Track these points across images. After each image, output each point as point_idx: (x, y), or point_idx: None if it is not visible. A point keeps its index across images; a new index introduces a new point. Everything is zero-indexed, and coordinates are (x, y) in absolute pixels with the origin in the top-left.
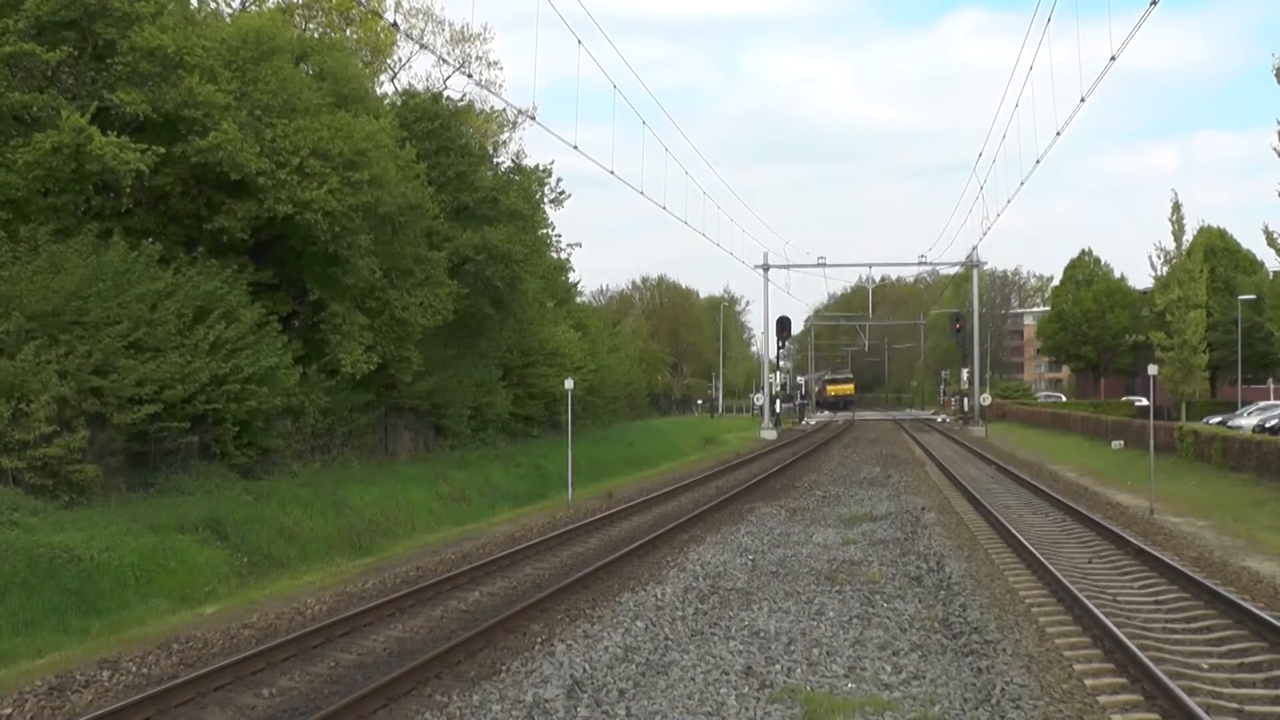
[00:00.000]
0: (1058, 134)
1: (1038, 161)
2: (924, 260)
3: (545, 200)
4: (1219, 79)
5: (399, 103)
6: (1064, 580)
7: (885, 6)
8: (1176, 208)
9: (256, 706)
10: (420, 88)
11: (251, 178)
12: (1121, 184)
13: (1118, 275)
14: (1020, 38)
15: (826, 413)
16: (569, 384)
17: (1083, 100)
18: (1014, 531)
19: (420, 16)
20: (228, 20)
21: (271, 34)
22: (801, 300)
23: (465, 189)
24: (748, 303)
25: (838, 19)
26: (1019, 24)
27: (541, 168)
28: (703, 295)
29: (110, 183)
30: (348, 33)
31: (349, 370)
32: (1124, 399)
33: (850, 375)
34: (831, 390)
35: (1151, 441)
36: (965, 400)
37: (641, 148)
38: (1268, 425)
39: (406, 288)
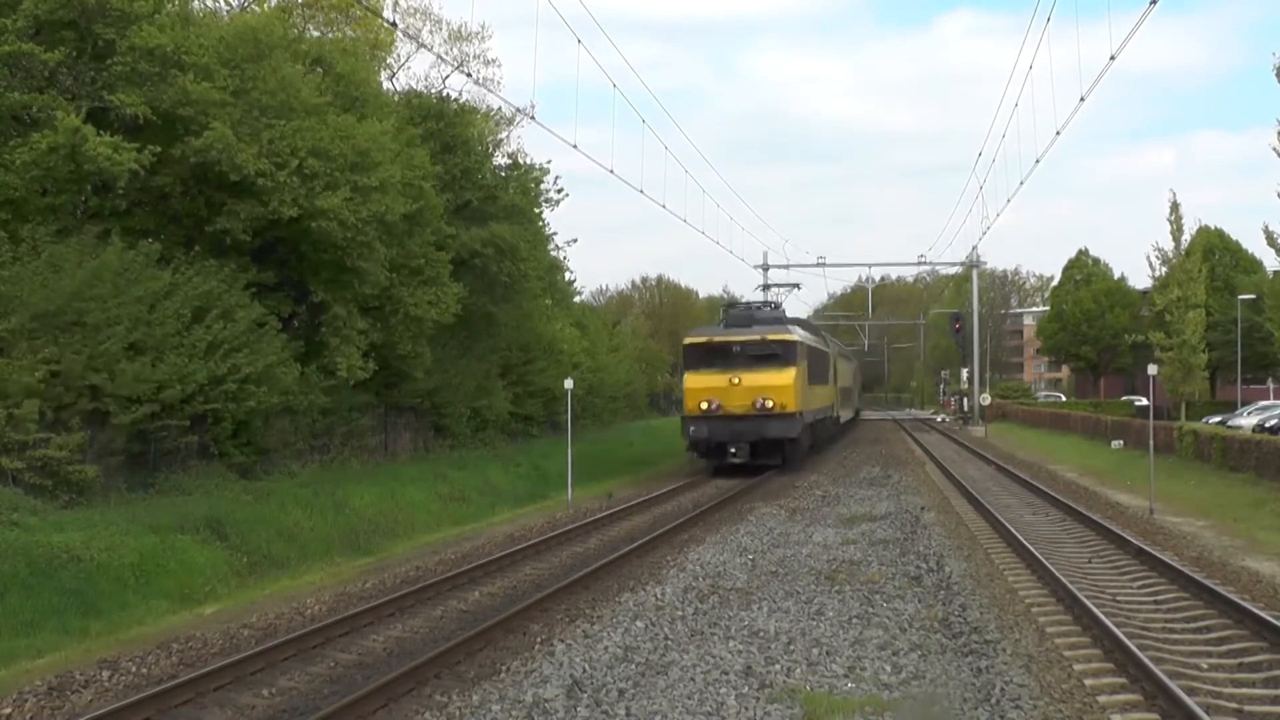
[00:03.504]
0: (1057, 134)
1: (1037, 161)
2: (924, 260)
3: (542, 199)
4: (1217, 79)
5: (404, 102)
6: (1063, 580)
7: (878, 7)
8: (1175, 208)
9: (256, 706)
10: (419, 87)
11: (250, 179)
12: (1121, 184)
13: (1117, 275)
14: (1013, 38)
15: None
16: (569, 384)
17: (1082, 100)
18: (1013, 531)
19: (418, 15)
20: (226, 19)
21: (269, 32)
22: (801, 300)
23: (469, 186)
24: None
25: (831, 19)
26: (1012, 24)
27: (539, 166)
28: (702, 295)
29: (108, 183)
30: (347, 32)
31: (344, 374)
32: (1124, 399)
33: (791, 338)
34: (701, 385)
35: (1151, 441)
36: (965, 400)
37: (641, 147)
38: (1267, 425)
39: (414, 285)
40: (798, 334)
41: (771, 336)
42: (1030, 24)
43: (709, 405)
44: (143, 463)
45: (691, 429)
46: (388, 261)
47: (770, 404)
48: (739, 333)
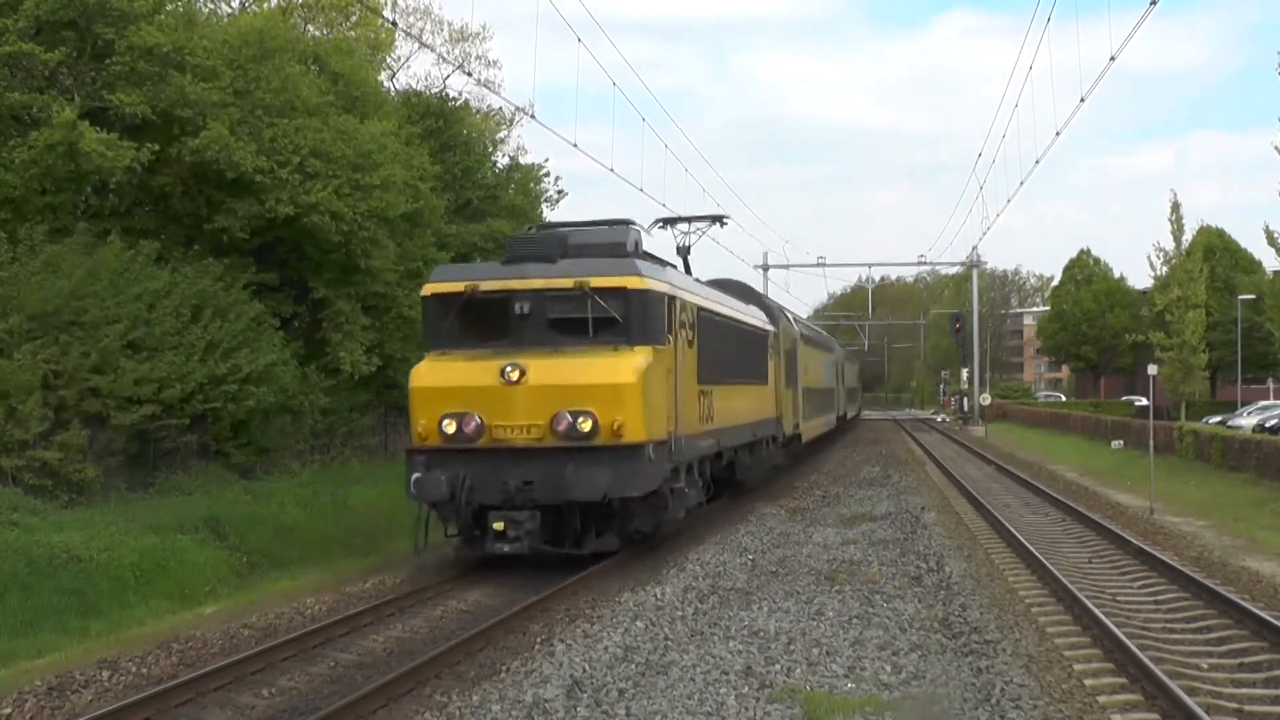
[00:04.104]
0: (1057, 134)
1: (1037, 161)
2: (924, 260)
3: (542, 199)
4: (1217, 79)
5: (403, 100)
6: (1064, 580)
7: (874, 7)
8: (1175, 207)
9: (256, 706)
10: (420, 87)
11: (249, 176)
12: (1121, 184)
13: (1117, 275)
14: (1010, 38)
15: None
16: None
17: (1082, 100)
18: (1013, 531)
19: (419, 15)
20: (225, 20)
21: (274, 34)
22: (802, 300)
23: (470, 186)
24: None
25: (828, 20)
26: (1008, 25)
27: (538, 166)
28: None
29: (106, 182)
30: (347, 33)
31: (348, 370)
32: (1124, 399)
33: (642, 283)
34: (444, 383)
35: (1151, 441)
36: (965, 400)
37: (641, 146)
38: (1268, 425)
39: (411, 287)
40: (662, 279)
41: (599, 282)
42: (1030, 24)
43: (459, 427)
44: (142, 463)
45: (416, 475)
46: (394, 258)
47: (589, 425)
48: (530, 272)
